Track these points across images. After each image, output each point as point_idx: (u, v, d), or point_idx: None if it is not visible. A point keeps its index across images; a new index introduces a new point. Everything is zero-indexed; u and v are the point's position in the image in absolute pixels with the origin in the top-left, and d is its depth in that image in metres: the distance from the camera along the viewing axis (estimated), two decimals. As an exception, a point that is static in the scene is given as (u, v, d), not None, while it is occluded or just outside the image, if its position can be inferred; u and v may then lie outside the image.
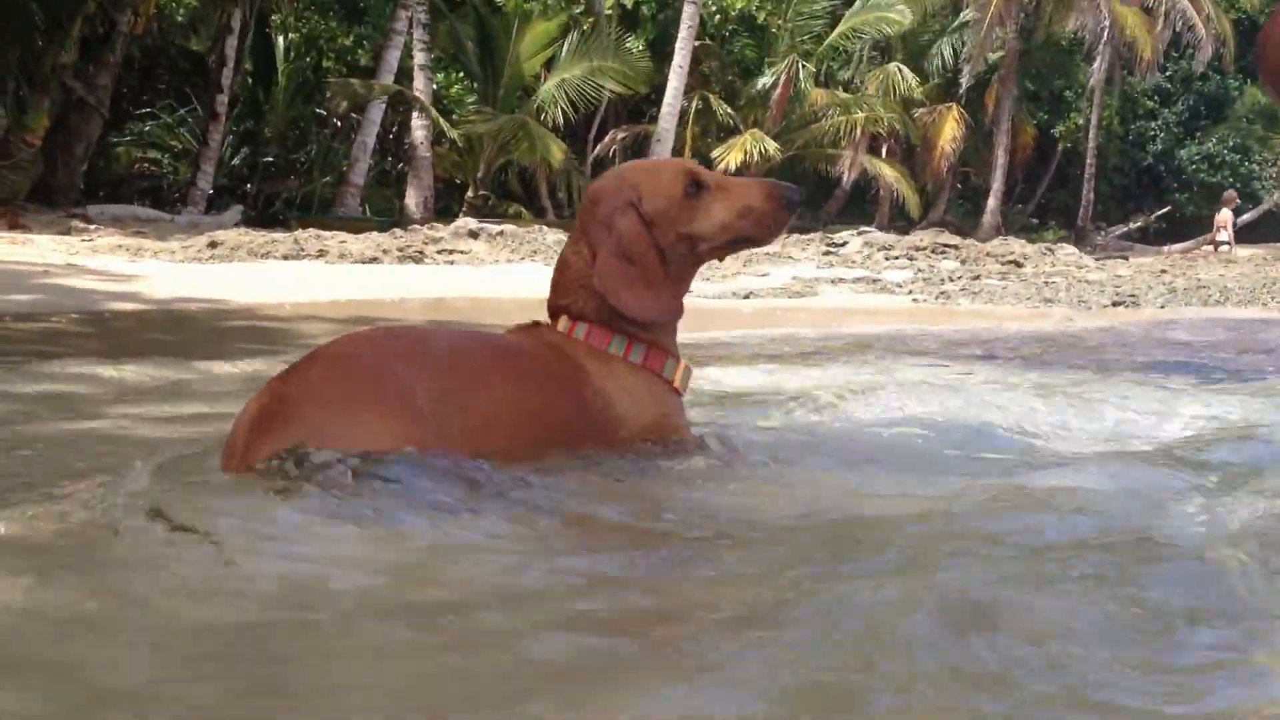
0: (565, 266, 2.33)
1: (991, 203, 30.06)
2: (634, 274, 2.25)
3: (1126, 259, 21.10)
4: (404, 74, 22.69)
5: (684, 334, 2.43)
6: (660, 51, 25.11)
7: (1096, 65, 30.47)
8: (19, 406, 3.23)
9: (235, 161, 22.76)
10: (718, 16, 28.10)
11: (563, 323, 2.31)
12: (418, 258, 14.11)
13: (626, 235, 2.25)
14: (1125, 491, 2.20)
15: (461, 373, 2.10)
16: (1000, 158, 30.21)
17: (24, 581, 1.51)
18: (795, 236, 20.47)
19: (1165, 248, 27.35)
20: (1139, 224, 33.31)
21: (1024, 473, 2.48)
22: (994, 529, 1.92)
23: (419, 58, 22.61)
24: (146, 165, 23.18)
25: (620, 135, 25.40)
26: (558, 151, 21.99)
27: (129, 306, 8.24)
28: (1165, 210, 33.43)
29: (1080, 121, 32.70)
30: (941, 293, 12.78)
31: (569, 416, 2.19)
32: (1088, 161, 31.48)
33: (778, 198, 2.35)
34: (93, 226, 15.85)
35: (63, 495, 1.92)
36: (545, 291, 2.41)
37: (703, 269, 10.76)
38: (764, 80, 27.27)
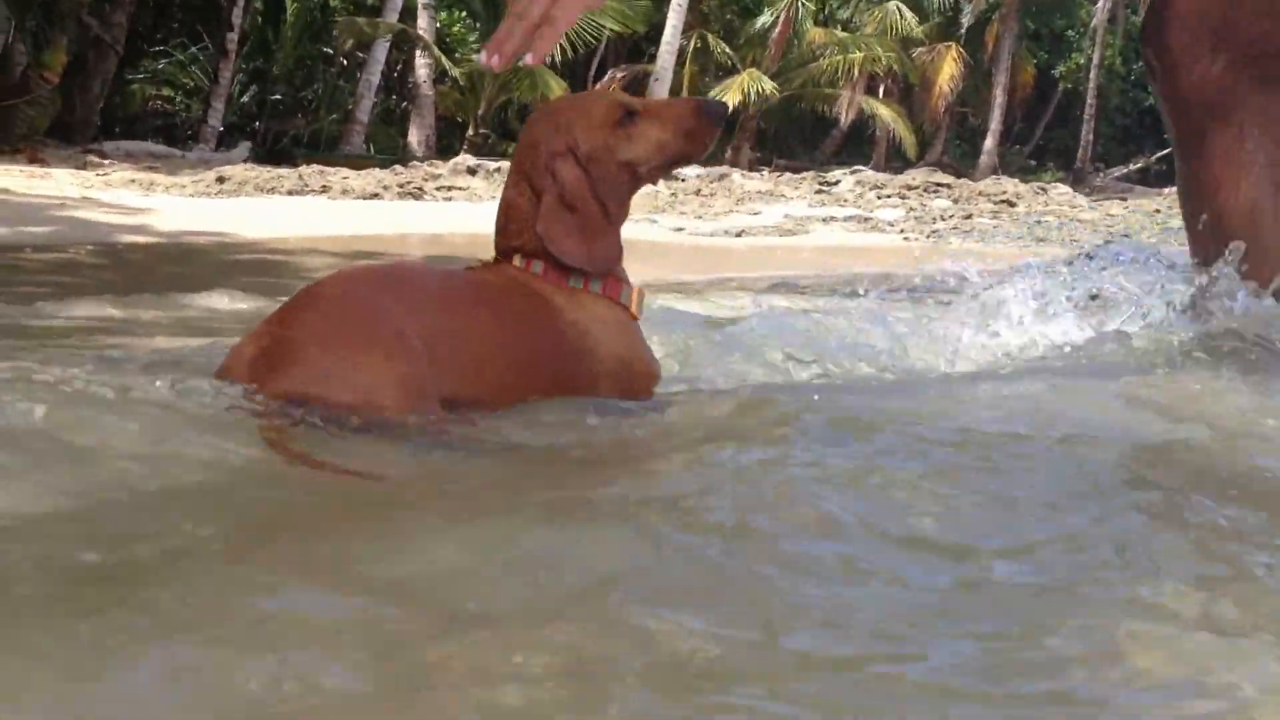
0: (512, 209, 2.33)
1: (989, 143, 30.11)
2: (575, 222, 2.28)
3: (1124, 200, 21.23)
4: (408, 13, 22.88)
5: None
6: (660, -11, 25.19)
7: (1099, 4, 30.47)
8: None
9: (244, 99, 23.06)
10: (718, -46, 27.93)
11: (518, 260, 2.31)
12: (417, 194, 14.38)
13: (567, 184, 2.27)
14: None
15: (450, 313, 2.13)
16: (999, 98, 30.21)
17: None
18: (788, 175, 20.68)
19: (1165, 190, 27.45)
20: (1139, 165, 33.17)
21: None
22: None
23: (423, -4, 22.85)
24: (160, 103, 23.47)
25: (619, 74, 25.42)
26: (558, 90, 22.03)
27: (140, 239, 8.42)
28: (1166, 152, 33.23)
29: (1081, 61, 32.69)
30: (933, 231, 13.01)
31: (549, 351, 2.23)
32: (1088, 102, 31.47)
33: (704, 112, 2.38)
34: (107, 161, 16.16)
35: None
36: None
37: (694, 207, 11.02)
38: (763, 19, 27.24)
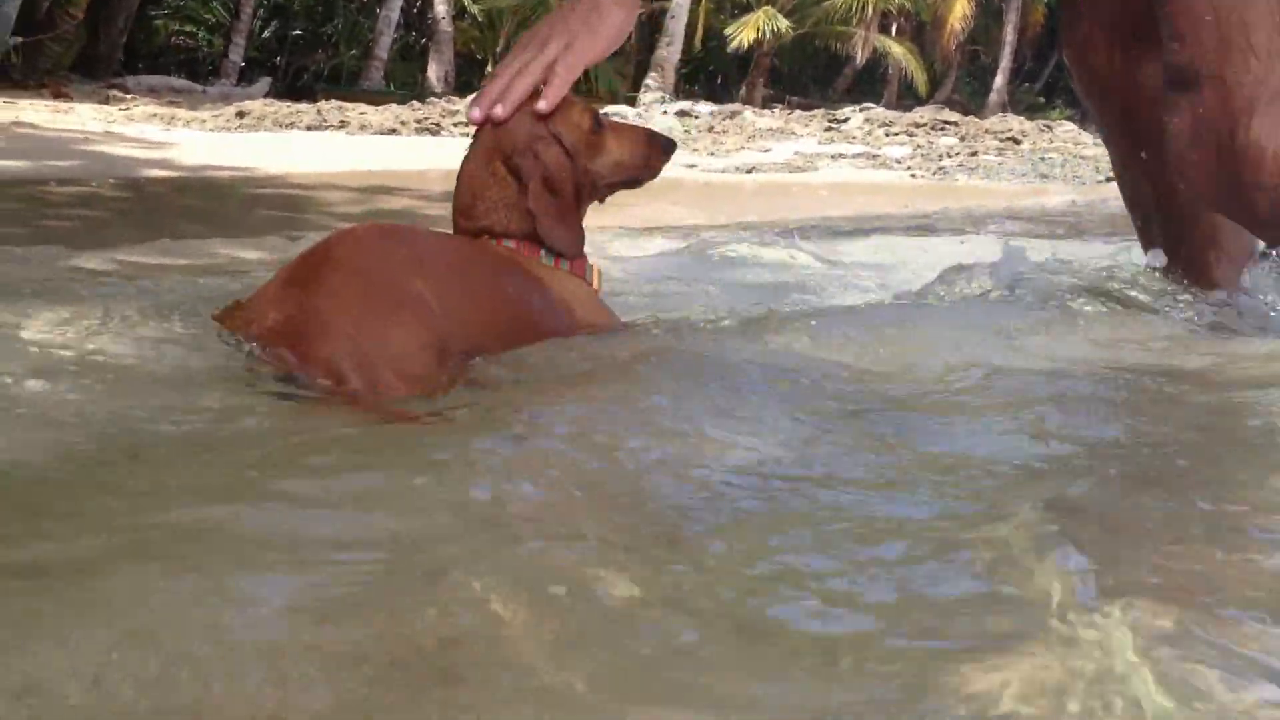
0: (483, 191, 2.32)
1: (998, 81, 30.09)
2: (556, 207, 2.31)
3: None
4: (427, -51, 23.11)
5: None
6: (678, -74, 25.03)
7: (1113, -57, 30.26)
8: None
9: (265, 35, 23.27)
10: (737, -112, 27.72)
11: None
12: (435, 130, 14.30)
13: (550, 165, 2.30)
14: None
15: (460, 282, 2.13)
16: (1010, 36, 30.17)
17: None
18: (799, 113, 20.71)
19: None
20: (1150, 104, 32.96)
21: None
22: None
23: (442, -68, 22.90)
24: (182, 38, 23.69)
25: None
26: (575, 27, 22.19)
27: (162, 173, 8.33)
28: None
29: (1096, 0, 32.51)
30: (939, 168, 12.83)
31: (540, 322, 2.24)
32: (1098, 41, 31.37)
33: (656, 143, 2.45)
34: (129, 96, 16.29)
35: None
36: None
37: (706, 144, 11.09)
38: (779, -43, 27.14)
